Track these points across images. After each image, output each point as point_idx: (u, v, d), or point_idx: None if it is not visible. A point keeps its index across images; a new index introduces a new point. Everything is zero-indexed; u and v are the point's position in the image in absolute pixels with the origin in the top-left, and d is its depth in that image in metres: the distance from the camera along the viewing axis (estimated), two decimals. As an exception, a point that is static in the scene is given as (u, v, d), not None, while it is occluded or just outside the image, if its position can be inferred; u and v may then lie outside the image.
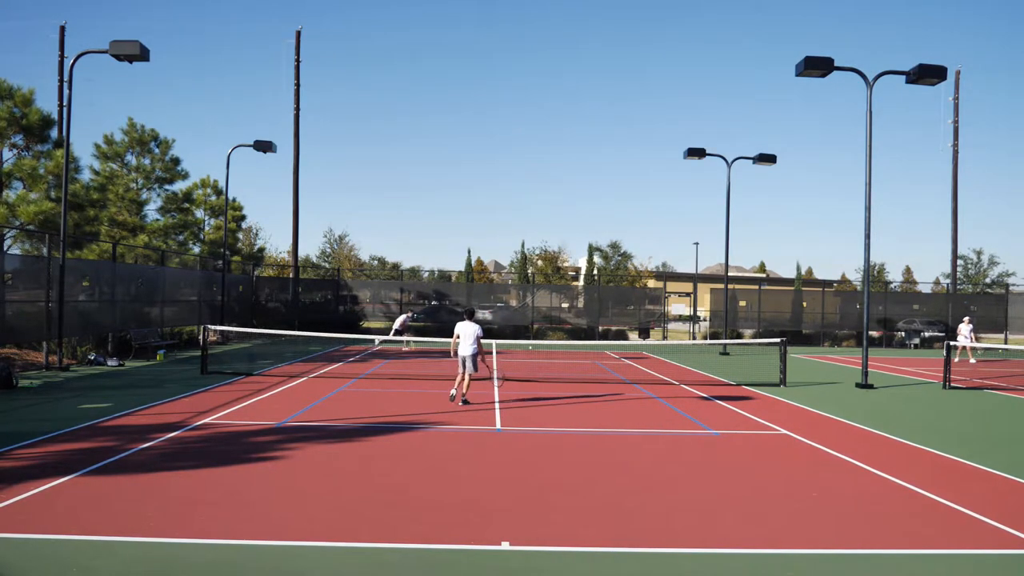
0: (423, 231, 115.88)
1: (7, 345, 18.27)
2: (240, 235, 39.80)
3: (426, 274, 46.47)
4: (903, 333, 35.98)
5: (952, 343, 19.51)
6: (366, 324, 36.60)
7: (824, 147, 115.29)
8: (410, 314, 29.43)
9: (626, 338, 36.61)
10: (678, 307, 54.76)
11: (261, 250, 43.83)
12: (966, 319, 26.54)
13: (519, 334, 35.05)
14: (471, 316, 13.62)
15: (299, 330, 28.47)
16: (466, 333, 13.18)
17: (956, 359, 25.69)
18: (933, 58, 45.41)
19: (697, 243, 55.64)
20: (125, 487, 7.37)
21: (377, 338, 27.45)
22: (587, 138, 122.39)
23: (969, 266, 45.50)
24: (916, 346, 34.82)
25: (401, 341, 27.67)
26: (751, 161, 27.33)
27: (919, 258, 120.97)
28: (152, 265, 26.15)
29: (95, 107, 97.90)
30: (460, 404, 12.96)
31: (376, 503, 7.05)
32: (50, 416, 11.35)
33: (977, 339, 26.13)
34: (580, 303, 39.31)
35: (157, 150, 29.37)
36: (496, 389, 15.44)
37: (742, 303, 37.47)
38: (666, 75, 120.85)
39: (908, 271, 60.87)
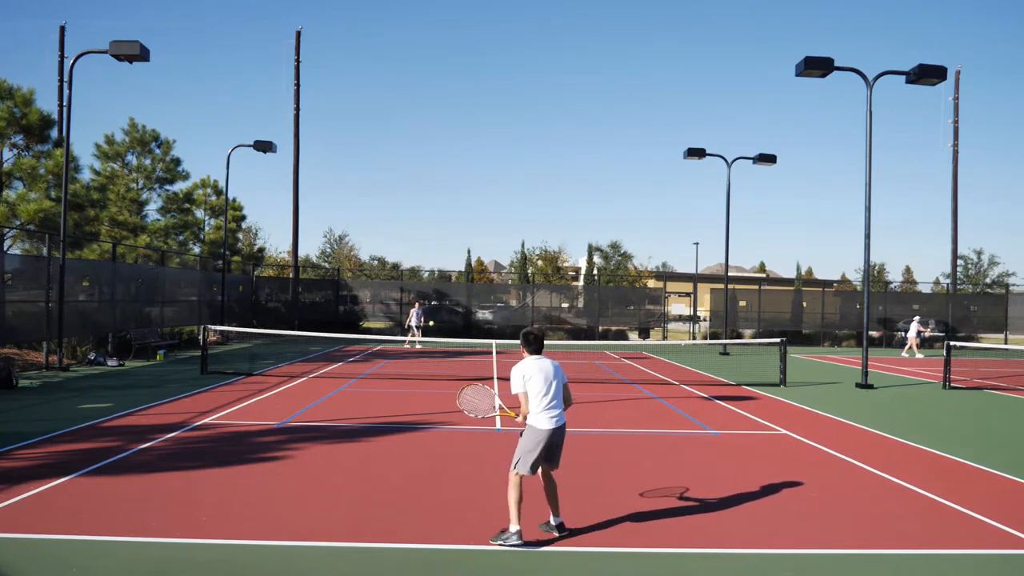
0: (423, 231, 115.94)
1: (7, 345, 18.27)
2: (240, 235, 39.79)
3: (426, 274, 46.47)
4: (903, 333, 35.95)
5: (952, 343, 19.51)
6: (366, 324, 36.61)
7: (824, 147, 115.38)
8: (418, 308, 29.36)
9: (626, 338, 36.61)
10: (678, 307, 54.74)
11: (261, 250, 43.83)
12: (916, 319, 29.73)
13: (519, 334, 34.96)
14: None
15: (299, 330, 28.48)
16: None
17: (904, 354, 28.80)
18: (933, 58, 45.41)
19: (697, 243, 55.67)
20: (125, 487, 7.37)
21: (409, 340, 27.72)
22: (587, 138, 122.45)
23: (969, 266, 45.45)
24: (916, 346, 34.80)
25: (415, 338, 27.82)
26: (751, 161, 27.33)
27: (919, 258, 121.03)
28: (152, 265, 26.15)
29: (95, 107, 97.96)
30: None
31: (376, 503, 7.05)
32: (50, 416, 11.35)
33: (918, 340, 29.27)
34: (580, 303, 39.31)
35: (158, 150, 29.38)
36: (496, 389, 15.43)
37: (742, 303, 37.46)
38: (666, 75, 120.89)
39: (908, 271, 60.73)
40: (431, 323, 34.90)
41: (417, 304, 29.88)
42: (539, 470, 6.09)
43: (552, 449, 6.08)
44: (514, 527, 5.87)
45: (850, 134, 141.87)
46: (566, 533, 6.14)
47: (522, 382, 6.02)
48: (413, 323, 28.19)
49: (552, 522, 6.16)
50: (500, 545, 5.84)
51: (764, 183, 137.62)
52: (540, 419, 6.01)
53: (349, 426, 11.07)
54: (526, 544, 5.87)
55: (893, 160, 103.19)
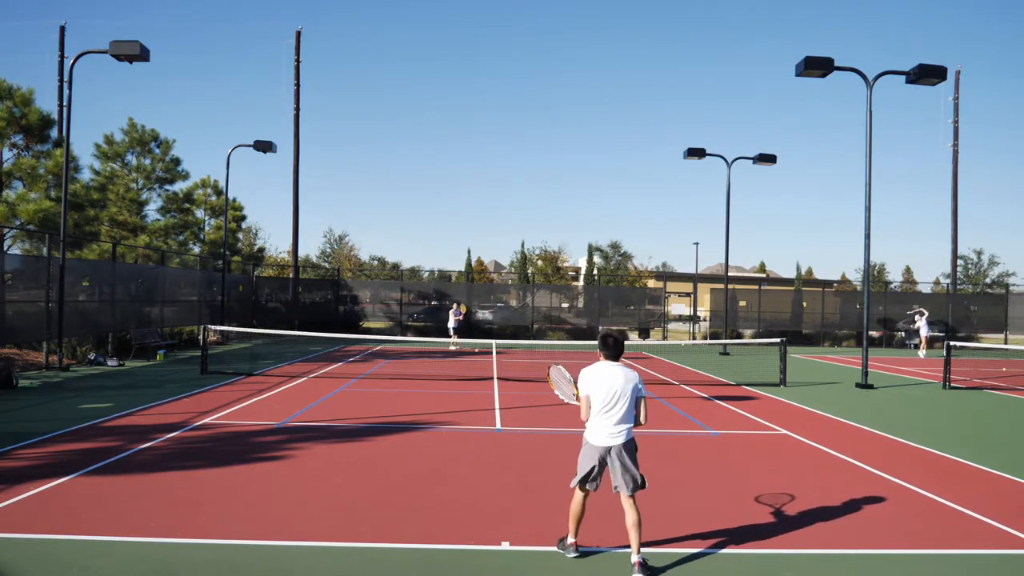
0: (423, 231, 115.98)
1: (7, 345, 18.26)
2: (240, 235, 39.78)
3: (426, 274, 46.48)
4: (903, 333, 35.97)
5: (952, 342, 19.48)
6: (366, 324, 36.60)
7: (824, 147, 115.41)
8: (454, 308, 28.88)
9: (626, 338, 36.53)
10: (678, 307, 54.75)
11: (261, 250, 43.84)
12: (919, 317, 29.18)
13: (519, 334, 35.04)
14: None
15: (299, 330, 28.47)
16: None
17: (921, 354, 28.39)
18: (933, 58, 45.43)
19: (697, 243, 55.69)
20: (125, 487, 7.37)
21: (451, 342, 27.15)
22: (587, 138, 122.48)
23: (969, 266, 45.48)
24: (916, 346, 34.80)
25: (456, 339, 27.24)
26: (751, 161, 27.33)
27: (919, 258, 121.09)
28: (152, 265, 26.14)
29: (95, 107, 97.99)
30: None
31: (376, 503, 7.05)
32: (50, 416, 11.35)
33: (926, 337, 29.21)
34: (580, 303, 39.31)
35: (158, 150, 29.39)
36: (496, 389, 15.44)
37: (742, 303, 37.46)
38: (666, 75, 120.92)
39: (908, 271, 60.81)
40: (413, 322, 35.21)
41: (455, 305, 29.54)
42: (619, 493, 5.61)
43: (612, 469, 5.55)
44: (568, 539, 5.71)
45: (850, 134, 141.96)
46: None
47: (584, 386, 5.60)
48: (452, 325, 27.70)
49: (633, 559, 5.38)
50: (562, 551, 5.74)
51: (764, 183, 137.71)
52: (593, 433, 5.59)
53: (349, 426, 11.07)
54: (582, 555, 5.70)
55: (893, 160, 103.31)
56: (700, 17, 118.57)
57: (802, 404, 14.43)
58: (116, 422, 10.91)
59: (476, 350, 25.49)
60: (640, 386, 5.67)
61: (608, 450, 5.56)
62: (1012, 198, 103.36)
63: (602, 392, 5.53)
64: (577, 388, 5.71)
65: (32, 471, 7.87)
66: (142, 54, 17.44)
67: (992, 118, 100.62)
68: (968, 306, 38.02)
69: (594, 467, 5.59)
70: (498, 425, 11.37)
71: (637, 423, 5.65)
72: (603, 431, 5.55)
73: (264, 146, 26.87)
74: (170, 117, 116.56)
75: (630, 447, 5.63)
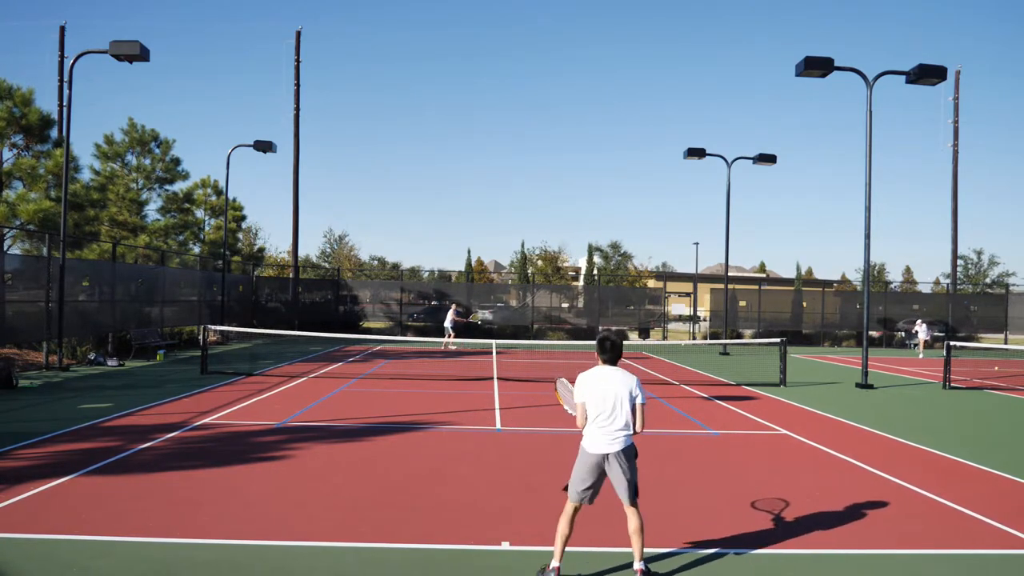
0: (423, 231, 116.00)
1: (7, 345, 18.26)
2: (240, 235, 39.79)
3: (426, 274, 46.49)
4: (903, 333, 35.96)
5: (952, 343, 19.47)
6: (366, 324, 36.61)
7: (824, 147, 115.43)
8: (453, 308, 28.90)
9: (626, 338, 36.60)
10: (678, 307, 54.75)
11: (261, 250, 43.84)
12: (923, 322, 30.12)
13: (519, 334, 35.04)
14: None
15: (299, 330, 28.47)
16: None
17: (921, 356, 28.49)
18: (933, 58, 45.43)
19: (697, 243, 55.71)
20: (125, 487, 7.37)
21: (447, 342, 27.04)
22: (587, 138, 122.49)
23: (969, 266, 45.48)
24: (916, 346, 34.78)
25: (451, 339, 27.11)
26: (751, 161, 27.34)
27: (919, 258, 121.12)
28: (152, 265, 26.14)
29: (95, 107, 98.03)
30: None
31: (376, 503, 7.05)
32: (50, 416, 11.35)
33: (927, 340, 29.94)
34: (580, 303, 39.32)
35: (158, 150, 29.41)
36: (496, 389, 15.44)
37: (742, 303, 37.46)
38: (666, 75, 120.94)
39: (908, 271, 60.82)
40: (413, 322, 35.48)
41: (454, 305, 29.58)
42: (625, 503, 5.34)
43: (612, 476, 5.29)
44: (552, 563, 5.19)
45: (850, 134, 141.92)
46: None
47: (580, 393, 5.32)
48: (448, 324, 27.56)
49: (635, 566, 5.23)
50: None
51: (764, 183, 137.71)
52: (589, 440, 5.30)
53: (349, 426, 11.07)
54: (580, 556, 5.34)
55: (893, 160, 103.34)
56: (700, 17, 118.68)
57: (802, 404, 14.43)
58: (116, 422, 10.91)
59: (477, 350, 25.49)
60: (638, 391, 5.39)
61: (606, 457, 5.28)
62: (1012, 198, 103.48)
63: (599, 399, 5.27)
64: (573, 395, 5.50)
65: (32, 471, 7.87)
66: (142, 54, 17.45)
67: (992, 118, 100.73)
68: (968, 306, 38.02)
69: (590, 479, 5.32)
70: (498, 425, 11.37)
71: (634, 431, 5.41)
72: (601, 438, 5.28)
73: (264, 146, 26.88)
74: (170, 117, 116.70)
75: (630, 453, 5.38)
